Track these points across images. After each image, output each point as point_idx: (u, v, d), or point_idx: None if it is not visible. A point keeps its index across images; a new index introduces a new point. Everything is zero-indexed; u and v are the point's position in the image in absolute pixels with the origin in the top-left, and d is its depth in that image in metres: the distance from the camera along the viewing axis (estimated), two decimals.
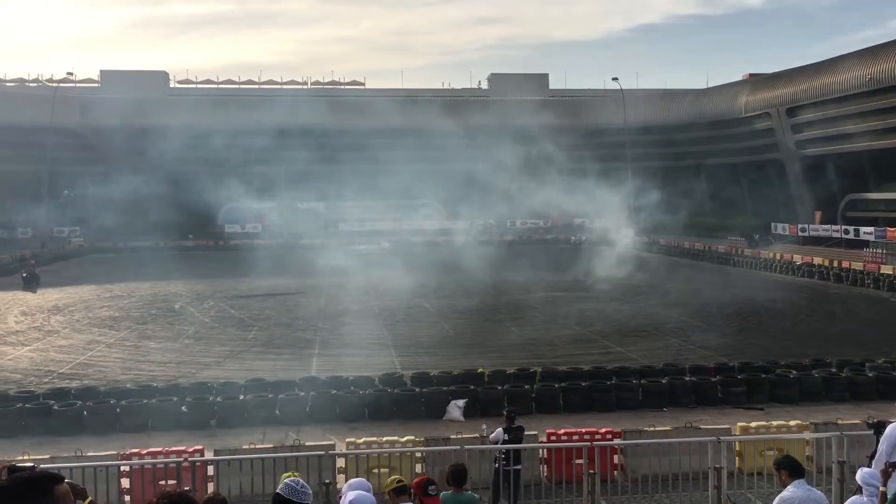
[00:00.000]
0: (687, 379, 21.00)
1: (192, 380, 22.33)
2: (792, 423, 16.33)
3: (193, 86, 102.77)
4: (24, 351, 27.96)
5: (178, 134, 71.20)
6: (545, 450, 14.37)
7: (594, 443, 13.11)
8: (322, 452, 12.27)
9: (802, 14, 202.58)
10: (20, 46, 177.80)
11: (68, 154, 74.01)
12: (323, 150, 74.20)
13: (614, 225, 64.38)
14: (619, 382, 20.70)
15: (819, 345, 28.25)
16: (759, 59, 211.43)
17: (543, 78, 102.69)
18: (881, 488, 6.59)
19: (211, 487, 12.74)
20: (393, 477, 7.34)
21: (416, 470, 13.45)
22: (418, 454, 14.02)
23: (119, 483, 13.08)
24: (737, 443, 14.54)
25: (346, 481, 7.55)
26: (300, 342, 29.70)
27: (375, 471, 13.27)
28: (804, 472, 7.34)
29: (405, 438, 15.30)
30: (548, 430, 15.71)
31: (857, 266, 47.40)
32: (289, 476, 5.57)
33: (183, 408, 18.82)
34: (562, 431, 15.49)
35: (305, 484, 5.39)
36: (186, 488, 10.48)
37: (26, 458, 13.52)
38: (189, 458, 12.64)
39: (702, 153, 77.72)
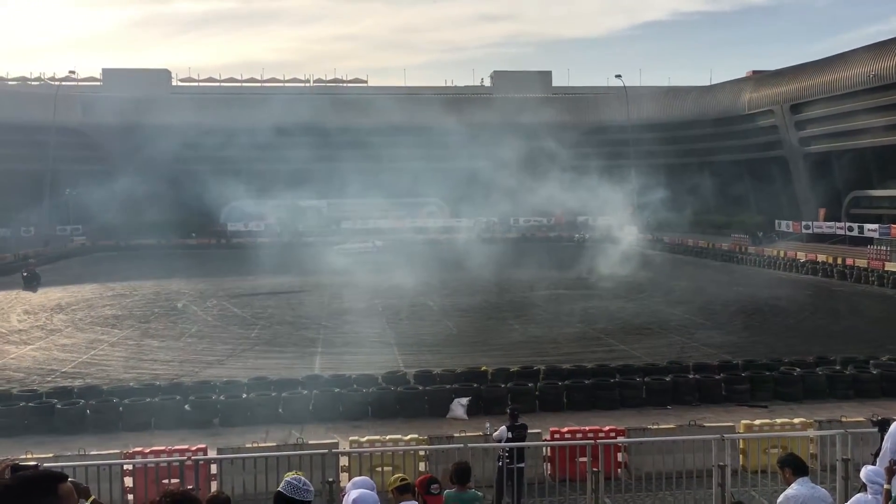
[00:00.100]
0: (691, 377, 20.98)
1: (194, 378, 22.36)
2: (796, 420, 16.32)
3: (196, 84, 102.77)
4: (27, 350, 27.99)
5: (181, 132, 71.27)
6: (549, 448, 14.36)
7: (598, 441, 13.07)
8: (325, 451, 12.27)
9: (806, 10, 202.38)
10: (22, 45, 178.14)
11: (70, 153, 74.03)
12: (325, 148, 74.18)
13: (618, 222, 64.40)
14: (622, 380, 20.66)
15: (823, 342, 28.22)
16: (762, 55, 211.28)
17: (546, 75, 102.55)
18: (885, 486, 6.56)
19: (214, 486, 12.73)
20: (396, 475, 7.33)
21: (420, 468, 13.45)
22: (422, 452, 14.01)
23: (122, 482, 13.08)
24: (741, 440, 14.51)
25: (349, 480, 7.54)
26: (303, 340, 29.70)
27: (379, 469, 13.25)
28: (808, 469, 7.33)
29: (408, 437, 15.28)
30: (551, 428, 15.69)
31: (861, 263, 47.33)
32: (291, 475, 5.57)
33: (186, 406, 18.83)
34: (565, 429, 15.47)
35: (307, 481, 5.38)
36: (190, 487, 10.48)
37: (29, 456, 13.52)
38: (192, 457, 12.63)
39: (705, 150, 77.57)
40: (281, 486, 5.35)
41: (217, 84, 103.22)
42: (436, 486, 7.45)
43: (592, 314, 34.84)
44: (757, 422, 16.12)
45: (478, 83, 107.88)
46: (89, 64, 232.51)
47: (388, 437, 15.39)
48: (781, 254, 55.14)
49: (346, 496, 6.33)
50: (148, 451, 14.45)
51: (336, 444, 14.91)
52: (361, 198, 74.92)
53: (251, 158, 74.53)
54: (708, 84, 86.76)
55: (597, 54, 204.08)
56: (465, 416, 18.82)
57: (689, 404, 19.81)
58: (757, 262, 56.03)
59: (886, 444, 7.60)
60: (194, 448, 14.47)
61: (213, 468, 13.27)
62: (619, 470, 14.41)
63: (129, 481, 13.18)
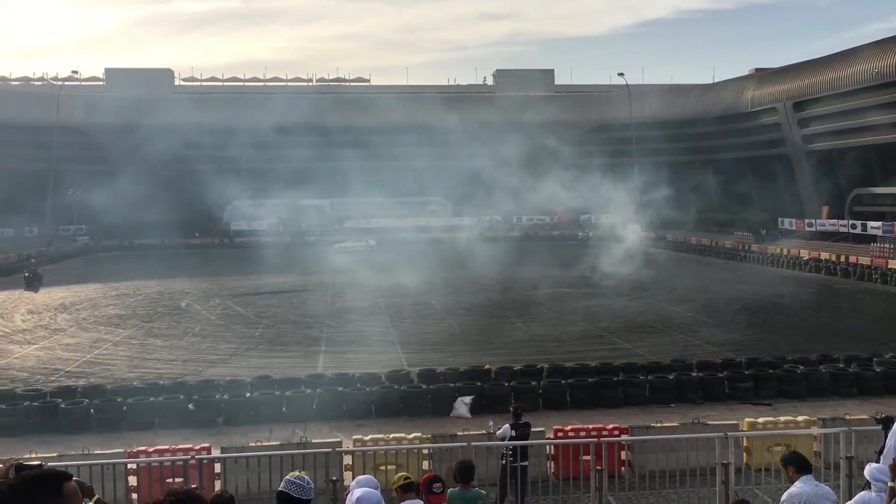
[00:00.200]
0: (694, 375, 20.96)
1: (198, 377, 22.39)
2: (799, 418, 16.31)
3: (198, 84, 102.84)
4: (31, 349, 28.04)
5: (183, 132, 71.31)
6: (552, 446, 14.36)
7: (601, 439, 13.06)
8: (329, 450, 12.26)
9: (808, 8, 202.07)
10: (25, 45, 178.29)
11: (73, 152, 74.11)
12: (328, 148, 74.20)
13: (621, 221, 64.29)
14: (626, 378, 20.65)
15: (826, 340, 28.20)
16: (765, 53, 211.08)
17: (549, 74, 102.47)
18: (890, 484, 6.54)
19: (218, 485, 12.75)
20: (400, 474, 7.34)
21: (423, 467, 13.44)
22: (425, 451, 14.01)
23: (126, 481, 13.09)
24: (744, 438, 14.50)
25: (353, 478, 7.54)
26: (306, 339, 29.72)
27: (382, 468, 13.26)
28: (811, 467, 7.32)
29: (412, 435, 15.29)
30: (555, 427, 15.70)
31: (865, 261, 47.26)
32: (293, 474, 5.56)
33: (189, 405, 18.86)
34: (569, 428, 15.48)
35: (308, 479, 5.38)
36: (193, 486, 10.50)
37: (34, 456, 13.54)
38: (196, 456, 12.64)
39: (708, 148, 77.51)
40: (282, 485, 5.36)
41: (219, 84, 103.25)
42: (438, 484, 7.45)
43: (596, 312, 34.83)
44: (760, 420, 16.10)
45: (480, 82, 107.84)
46: (92, 64, 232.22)
47: (391, 436, 15.39)
48: (785, 251, 55.08)
49: (350, 495, 6.33)
50: (152, 450, 14.47)
51: (340, 443, 14.91)
52: (364, 197, 74.97)
53: (254, 158, 74.53)
54: (710, 82, 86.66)
55: (599, 52, 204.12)
56: (469, 415, 18.82)
57: (692, 402, 19.81)
58: (760, 260, 55.98)
59: (890, 441, 7.58)
60: (198, 447, 14.48)
61: (217, 467, 13.29)
62: (622, 468, 14.40)
63: (132, 480, 13.19)
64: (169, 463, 12.50)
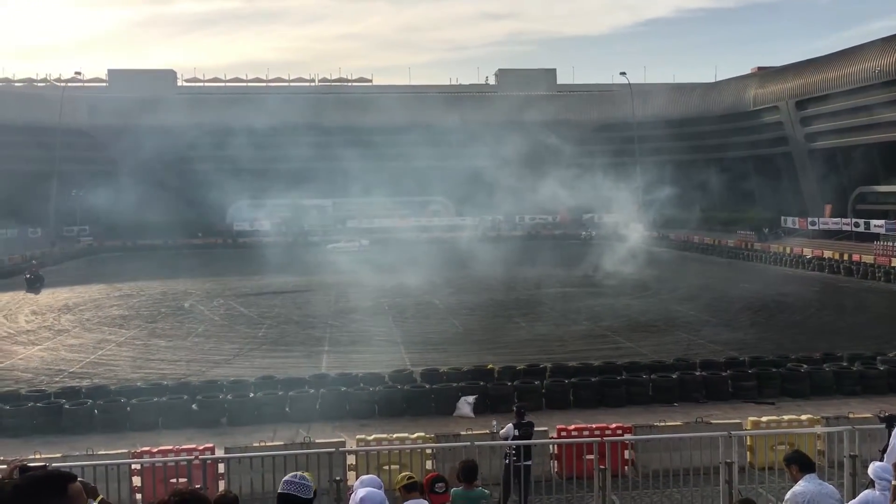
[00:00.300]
0: (697, 374, 20.95)
1: (202, 378, 22.40)
2: (803, 417, 16.29)
3: (200, 84, 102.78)
4: (35, 350, 28.08)
5: (186, 132, 71.43)
6: (555, 445, 14.35)
7: (605, 438, 13.08)
8: (332, 450, 12.28)
9: (810, 7, 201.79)
10: (28, 46, 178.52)
11: (76, 153, 74.25)
12: (330, 148, 74.23)
13: (624, 220, 64.28)
14: (629, 378, 20.64)
15: (830, 338, 28.15)
16: (767, 52, 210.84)
17: (551, 73, 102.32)
18: (893, 482, 6.55)
19: (222, 485, 12.77)
20: (403, 474, 7.35)
21: (427, 466, 13.44)
22: (428, 451, 14.00)
23: (130, 481, 13.11)
24: (748, 437, 14.49)
25: (356, 478, 7.55)
26: (310, 339, 29.74)
27: (386, 468, 13.27)
28: (815, 466, 7.32)
29: (415, 435, 15.30)
30: (558, 426, 15.70)
31: (868, 259, 47.20)
32: (290, 476, 5.54)
33: (193, 406, 18.88)
34: (572, 427, 15.48)
35: (305, 476, 5.38)
36: (197, 486, 10.51)
37: (38, 456, 13.57)
38: (200, 456, 12.66)
39: (711, 147, 77.45)
40: (283, 487, 5.34)
41: (222, 84, 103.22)
42: (440, 484, 7.46)
43: (599, 312, 34.82)
44: (764, 418, 16.08)
45: (482, 81, 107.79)
46: (95, 65, 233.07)
47: (394, 436, 15.39)
48: (788, 250, 55.02)
49: (353, 494, 6.35)
50: (156, 450, 14.49)
51: (343, 443, 14.93)
52: (366, 197, 75.02)
53: (256, 158, 74.62)
54: (713, 81, 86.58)
55: (600, 52, 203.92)
56: (472, 415, 18.83)
57: (695, 401, 19.79)
58: (763, 259, 55.93)
59: (894, 440, 7.59)
60: (202, 447, 14.50)
61: (221, 467, 13.31)
62: (626, 467, 14.40)
63: (137, 481, 13.22)
64: (173, 463, 12.51)
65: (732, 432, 11.59)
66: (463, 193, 71.14)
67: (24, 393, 20.08)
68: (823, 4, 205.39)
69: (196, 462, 11.80)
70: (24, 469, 4.54)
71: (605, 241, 62.62)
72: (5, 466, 6.11)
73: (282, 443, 15.17)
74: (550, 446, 14.37)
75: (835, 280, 46.19)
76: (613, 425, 15.57)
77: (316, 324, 33.09)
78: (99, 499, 5.18)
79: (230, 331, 31.70)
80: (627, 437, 14.79)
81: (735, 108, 73.83)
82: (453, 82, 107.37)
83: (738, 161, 74.39)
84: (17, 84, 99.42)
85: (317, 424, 18.12)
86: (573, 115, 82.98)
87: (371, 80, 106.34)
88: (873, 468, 6.86)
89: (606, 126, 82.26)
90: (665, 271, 49.23)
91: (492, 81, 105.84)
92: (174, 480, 11.78)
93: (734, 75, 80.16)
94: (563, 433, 15.03)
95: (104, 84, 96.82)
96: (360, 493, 6.22)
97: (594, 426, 15.46)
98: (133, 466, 13.12)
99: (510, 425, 12.98)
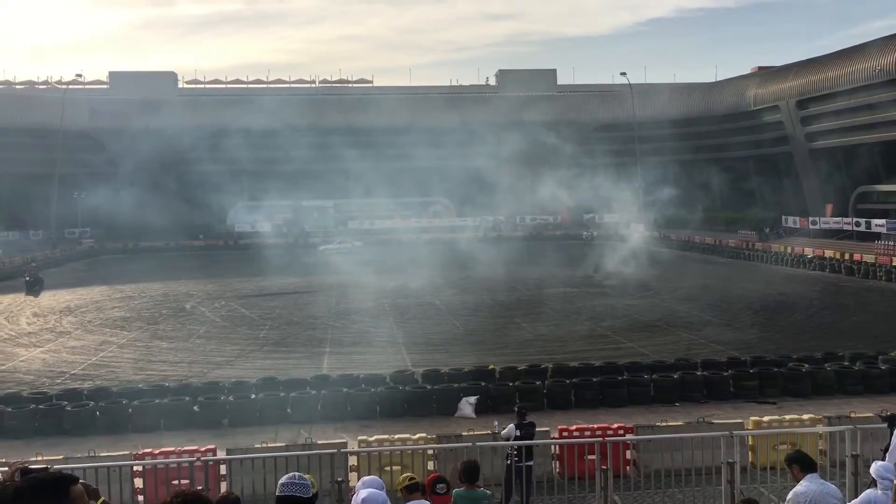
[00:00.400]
0: (699, 373, 20.94)
1: (203, 379, 22.40)
2: (805, 416, 16.28)
3: (202, 86, 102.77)
4: (37, 352, 28.08)
5: (187, 134, 71.43)
6: (557, 446, 14.35)
7: (606, 438, 13.06)
8: (334, 451, 12.28)
9: (810, 6, 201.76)
10: (29, 48, 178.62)
11: (78, 156, 74.24)
12: (331, 149, 74.26)
13: (625, 220, 64.28)
14: (630, 378, 20.64)
15: (831, 338, 28.14)
16: (767, 52, 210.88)
17: (551, 73, 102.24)
18: (895, 481, 6.55)
19: (224, 487, 12.77)
20: (405, 474, 7.36)
21: (428, 467, 13.45)
22: (430, 451, 14.01)
23: (132, 483, 13.12)
24: (750, 437, 14.48)
25: (358, 479, 7.55)
26: (311, 341, 29.74)
27: (388, 468, 13.28)
28: (816, 465, 7.32)
29: (417, 436, 15.30)
30: (559, 426, 15.69)
31: (869, 259, 47.18)
32: (287, 477, 5.51)
33: (195, 407, 18.89)
34: (573, 427, 15.47)
35: (303, 476, 5.35)
36: (199, 488, 10.51)
37: (39, 458, 13.58)
38: (201, 458, 12.67)
39: (712, 147, 77.45)
40: (283, 490, 5.29)
41: (223, 86, 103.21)
42: (441, 485, 7.46)
43: (600, 312, 34.81)
44: (766, 418, 16.08)
45: (483, 82, 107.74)
46: (96, 67, 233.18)
47: (396, 437, 15.40)
48: (789, 250, 55.00)
49: (355, 495, 6.35)
50: (157, 452, 14.50)
51: (345, 444, 14.93)
52: (367, 198, 75.08)
53: (257, 159, 74.69)
54: (713, 81, 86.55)
55: (601, 52, 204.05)
56: (474, 415, 18.83)
57: (697, 401, 19.79)
58: (764, 259, 55.90)
59: None
60: (203, 449, 14.51)
61: (223, 469, 13.32)
62: (627, 467, 14.39)
63: (138, 482, 13.22)
64: (175, 465, 12.53)
65: (734, 432, 11.59)
66: (464, 194, 71.18)
67: (25, 395, 20.09)
68: (823, 4, 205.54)
69: (198, 463, 11.82)
70: (25, 471, 4.53)
71: (607, 242, 62.60)
72: (7, 469, 6.11)
73: (283, 444, 15.16)
74: (552, 447, 14.36)
75: (836, 279, 46.16)
76: (615, 425, 15.56)
77: (317, 325, 33.10)
78: (101, 501, 5.18)
79: (232, 332, 31.71)
80: (629, 437, 14.79)
81: (736, 108, 73.81)
82: (454, 83, 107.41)
83: (738, 161, 74.39)
84: (18, 86, 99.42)
85: (318, 425, 18.13)
86: (574, 116, 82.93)
87: (372, 82, 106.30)
88: (875, 467, 6.86)
89: (607, 126, 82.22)
90: (666, 271, 49.22)
91: (492, 82, 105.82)
92: (176, 482, 11.79)
93: (734, 75, 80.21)
94: (565, 433, 15.03)
95: (105, 86, 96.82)
96: (362, 494, 6.22)
97: (596, 426, 15.46)
98: (135, 468, 13.12)
99: (512, 426, 12.98)
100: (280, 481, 5.34)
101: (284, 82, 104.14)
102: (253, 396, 19.50)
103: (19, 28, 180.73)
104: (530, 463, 12.41)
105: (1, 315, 36.64)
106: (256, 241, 67.59)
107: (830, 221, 60.24)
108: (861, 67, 57.15)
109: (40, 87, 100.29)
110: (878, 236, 52.57)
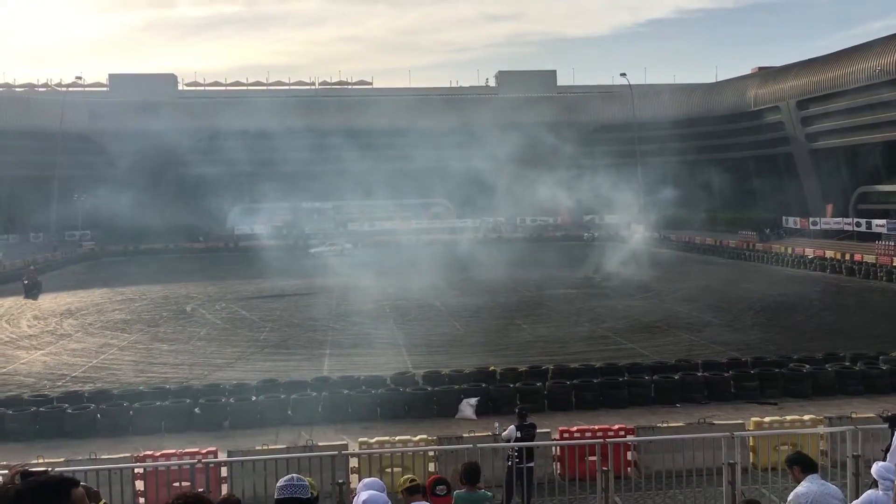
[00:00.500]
0: (700, 374, 20.93)
1: (204, 381, 22.38)
2: (806, 417, 16.27)
3: (201, 88, 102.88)
4: (38, 355, 28.08)
5: (187, 137, 71.43)
6: (558, 447, 14.34)
7: (607, 439, 13.05)
8: (335, 452, 12.27)
9: (810, 7, 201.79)
10: (29, 51, 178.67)
11: (78, 158, 74.25)
12: (331, 151, 74.31)
13: (626, 221, 64.26)
14: (631, 379, 20.64)
15: (832, 338, 28.13)
16: (767, 52, 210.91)
17: (551, 75, 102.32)
18: None
19: (225, 489, 12.77)
20: (406, 476, 7.35)
21: (429, 469, 13.45)
22: (431, 453, 14.01)
23: (133, 485, 13.11)
24: (750, 438, 14.47)
25: (359, 481, 7.55)
26: (312, 342, 29.74)
27: (388, 470, 13.27)
28: (817, 466, 7.31)
29: (418, 437, 15.30)
30: (560, 428, 15.68)
31: (870, 259, 47.17)
32: (284, 480, 5.47)
33: (196, 409, 18.88)
34: (574, 428, 15.46)
35: (301, 477, 5.34)
36: (200, 490, 10.51)
37: (40, 461, 13.58)
38: (202, 460, 12.66)
39: (713, 148, 77.44)
40: (282, 493, 5.25)
41: (223, 88, 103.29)
42: (442, 487, 7.46)
43: (600, 313, 34.81)
44: (767, 419, 16.06)
45: (482, 84, 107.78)
46: (95, 70, 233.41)
47: (397, 438, 15.40)
48: (789, 250, 54.98)
49: (356, 497, 6.35)
50: (158, 454, 14.48)
51: (346, 446, 14.92)
52: (367, 199, 75.08)
53: (257, 161, 74.70)
54: (713, 81, 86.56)
55: (601, 53, 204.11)
56: (474, 417, 18.82)
57: (698, 402, 19.78)
58: (765, 259, 55.88)
59: None
60: (204, 451, 14.51)
61: (224, 471, 13.32)
62: (628, 469, 14.39)
63: (140, 485, 13.21)
64: (176, 467, 12.52)
65: (735, 433, 11.58)
66: (464, 196, 71.17)
67: (26, 397, 20.09)
68: (823, 4, 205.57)
69: (199, 466, 11.82)
70: (26, 474, 4.52)
71: (607, 243, 62.59)
72: (7, 471, 6.11)
73: (284, 446, 15.16)
74: (553, 448, 14.36)
75: (837, 280, 46.15)
76: (616, 426, 15.56)
77: (317, 327, 33.09)
78: (101, 503, 5.18)
79: (232, 334, 31.71)
80: (630, 438, 14.78)
81: (736, 109, 73.81)
82: (454, 84, 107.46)
83: (739, 161, 74.38)
84: (17, 89, 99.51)
85: (319, 427, 18.12)
86: (574, 117, 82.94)
87: (371, 83, 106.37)
88: (876, 468, 6.85)
89: (607, 127, 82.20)
90: (667, 272, 49.21)
91: (492, 83, 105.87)
92: (177, 484, 11.78)
93: (735, 76, 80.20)
94: (566, 435, 15.02)
95: (105, 89, 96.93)
96: (363, 495, 6.22)
97: (596, 427, 15.45)
98: (136, 470, 13.11)
99: (512, 427, 12.97)
100: (278, 483, 5.32)
101: (284, 84, 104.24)
102: (254, 398, 19.50)
103: (19, 31, 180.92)
104: (531, 464, 12.40)
105: (2, 318, 36.65)
106: (256, 244, 67.65)
107: (831, 222, 60.23)
108: (861, 68, 57.15)
109: (40, 89, 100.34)
110: (878, 237, 52.56)
